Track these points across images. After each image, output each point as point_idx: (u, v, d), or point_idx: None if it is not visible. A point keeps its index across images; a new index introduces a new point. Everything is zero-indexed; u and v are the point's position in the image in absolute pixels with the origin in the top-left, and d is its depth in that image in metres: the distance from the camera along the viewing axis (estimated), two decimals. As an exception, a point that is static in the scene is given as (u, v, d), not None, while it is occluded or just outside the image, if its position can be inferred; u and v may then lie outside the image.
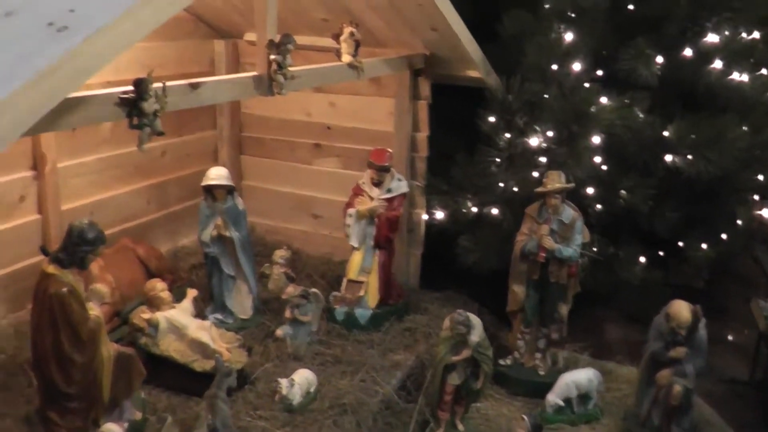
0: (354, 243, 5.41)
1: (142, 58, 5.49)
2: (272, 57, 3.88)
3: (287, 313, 5.04)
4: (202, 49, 6.32)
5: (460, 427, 4.73)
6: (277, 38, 3.90)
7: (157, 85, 3.15)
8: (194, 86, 3.51)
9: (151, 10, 2.66)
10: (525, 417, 4.20)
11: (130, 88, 3.07)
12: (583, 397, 4.90)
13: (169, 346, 4.47)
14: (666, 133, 5.44)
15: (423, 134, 5.85)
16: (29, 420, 3.95)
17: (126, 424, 3.84)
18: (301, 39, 5.61)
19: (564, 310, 5.13)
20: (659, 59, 5.36)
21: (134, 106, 3.09)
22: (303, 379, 4.43)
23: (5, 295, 4.79)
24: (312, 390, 4.47)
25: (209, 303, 5.37)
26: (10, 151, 4.62)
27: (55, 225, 4.88)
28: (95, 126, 5.25)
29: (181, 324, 4.53)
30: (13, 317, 4.80)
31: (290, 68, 3.97)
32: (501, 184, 5.49)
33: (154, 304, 4.58)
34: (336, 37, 4.69)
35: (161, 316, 4.50)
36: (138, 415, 3.99)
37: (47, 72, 2.20)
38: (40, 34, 2.33)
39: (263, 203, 6.75)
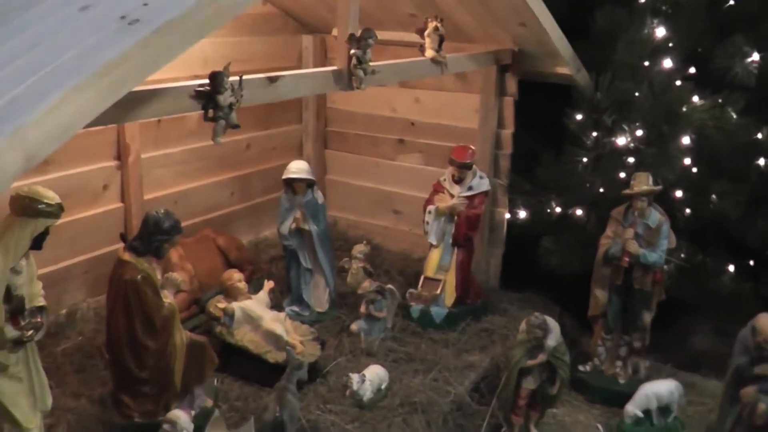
0: (432, 240, 5.35)
1: (230, 53, 5.56)
2: (352, 51, 3.87)
3: (362, 309, 5.04)
4: (290, 45, 6.38)
5: (534, 432, 4.64)
6: (358, 33, 3.87)
7: (233, 78, 3.18)
8: (272, 80, 3.52)
9: (223, 4, 2.64)
10: (600, 426, 4.06)
11: (207, 80, 3.11)
12: (664, 409, 4.71)
13: (244, 337, 4.52)
14: (760, 136, 5.19)
15: (508, 131, 5.74)
16: (103, 402, 4.07)
17: (195, 411, 3.90)
18: (389, 35, 5.67)
19: (647, 317, 4.99)
20: (756, 57, 5.10)
21: (210, 99, 3.12)
22: (374, 375, 4.41)
23: (86, 279, 4.98)
24: (383, 387, 4.44)
25: (287, 295, 5.42)
26: (95, 141, 4.84)
27: (137, 214, 5.01)
28: (181, 118, 5.37)
29: (257, 315, 4.57)
30: (94, 301, 4.98)
31: (371, 63, 3.94)
32: (587, 185, 5.33)
33: (230, 294, 4.64)
34: (420, 32, 4.64)
35: (237, 306, 4.55)
36: (209, 403, 4.05)
37: (114, 64, 2.23)
38: (111, 27, 2.37)
39: (346, 198, 6.78)
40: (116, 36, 2.34)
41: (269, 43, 6.12)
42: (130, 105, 2.81)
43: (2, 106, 2.13)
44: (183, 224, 5.44)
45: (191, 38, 2.55)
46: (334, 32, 6.15)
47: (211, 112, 3.16)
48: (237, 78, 3.19)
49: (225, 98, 3.14)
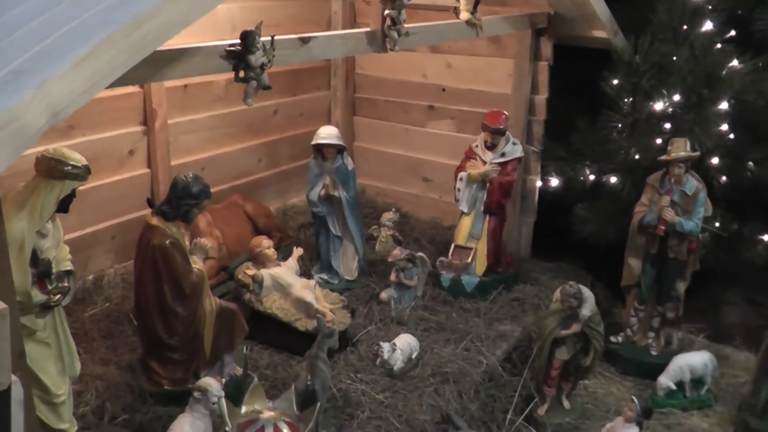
0: (464, 208, 5.25)
1: (259, 17, 5.35)
2: (386, 12, 3.74)
3: (392, 277, 4.97)
4: (319, 9, 6.25)
5: (566, 404, 4.59)
6: (390, -9, 3.75)
7: (265, 38, 3.08)
8: (305, 41, 3.41)
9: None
10: (635, 399, 3.97)
11: (238, 41, 3.01)
12: (697, 381, 4.66)
13: (273, 304, 4.46)
14: (802, 101, 5.02)
15: (542, 97, 5.58)
16: (132, 368, 4.05)
17: (225, 379, 3.85)
18: (421, -1, 5.54)
19: (681, 288, 4.92)
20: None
21: (241, 59, 3.03)
22: (405, 344, 4.34)
23: (114, 245, 4.94)
24: (414, 356, 4.38)
25: (315, 262, 5.36)
26: (121, 105, 4.79)
27: (164, 179, 4.97)
28: (208, 84, 5.30)
29: (286, 282, 4.51)
30: (121, 267, 4.96)
31: (405, 25, 3.82)
32: (622, 152, 5.19)
33: (259, 260, 4.58)
34: (456, -6, 4.50)
35: (266, 273, 4.49)
36: (239, 371, 4.01)
37: (144, 18, 2.15)
38: (141, -20, 2.28)
39: (375, 165, 6.69)
40: (144, -10, 2.25)
41: (298, 7, 5.99)
42: (158, 64, 2.72)
43: (27, 60, 2.05)
44: (211, 190, 5.46)
45: (224, -6, 2.45)
46: (364, -4, 6.06)
47: (242, 73, 3.07)
48: (269, 38, 3.09)
49: (257, 58, 3.05)
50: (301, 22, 5.87)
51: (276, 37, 3.16)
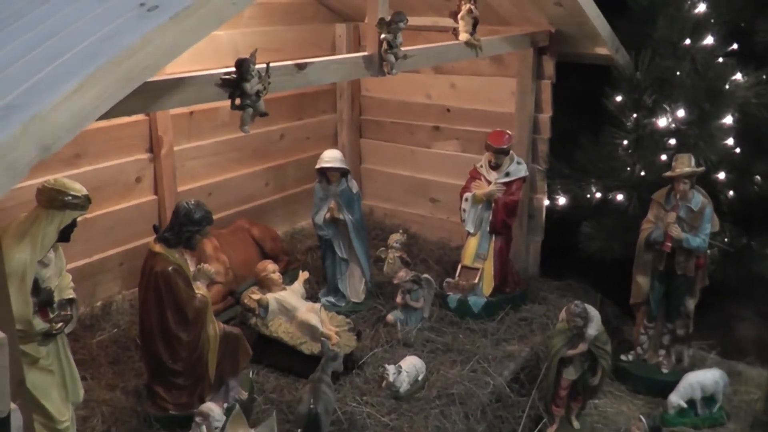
0: (470, 228, 5.25)
1: (261, 42, 5.46)
2: (383, 36, 3.77)
3: (398, 299, 4.97)
4: (323, 33, 6.31)
5: (575, 423, 4.55)
6: (388, 17, 3.78)
7: (260, 65, 3.12)
8: (301, 67, 3.44)
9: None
10: (642, 418, 3.94)
11: (233, 69, 3.05)
12: (708, 399, 4.60)
13: (279, 328, 4.47)
14: (807, 114, 4.98)
15: (546, 115, 5.59)
16: (138, 393, 4.07)
17: (226, 404, 3.86)
18: (421, 20, 5.58)
19: (691, 304, 4.88)
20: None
21: (236, 87, 3.06)
22: (411, 366, 4.33)
23: (121, 272, 4.99)
24: (420, 378, 4.36)
25: (323, 286, 5.37)
26: (127, 133, 4.86)
27: (171, 206, 4.99)
28: (213, 110, 5.35)
29: (291, 306, 4.52)
30: (129, 293, 5.00)
31: (403, 47, 3.85)
32: (627, 168, 5.17)
33: (265, 285, 4.59)
34: (454, 15, 4.53)
35: (271, 297, 4.50)
36: (244, 395, 4.01)
37: (132, 50, 2.18)
38: (130, 13, 2.33)
39: (382, 186, 6.71)
40: (135, 22, 2.30)
41: (301, 31, 6.05)
42: (154, 94, 2.77)
43: (18, 95, 2.09)
44: (217, 216, 5.46)
45: (211, 24, 2.49)
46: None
47: (238, 101, 3.10)
48: (264, 65, 3.13)
49: (252, 85, 3.08)
50: (304, 47, 5.92)
51: (272, 64, 3.19)
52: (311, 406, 3.63)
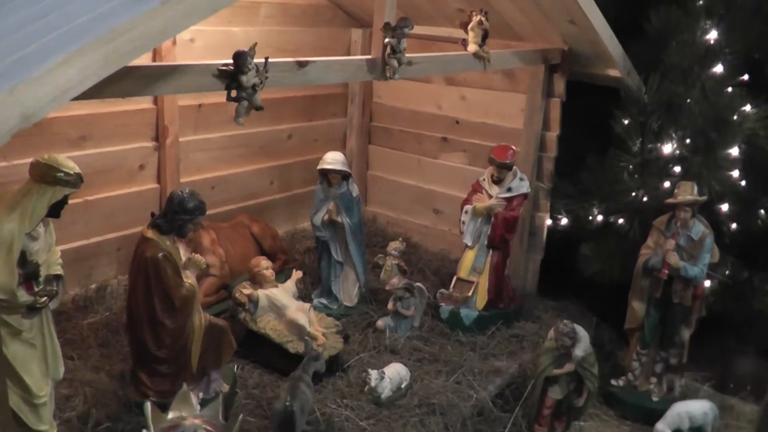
0: (467, 241, 5.24)
1: (277, 42, 5.59)
2: (386, 40, 3.78)
3: (390, 305, 4.97)
4: (339, 37, 6.34)
5: (557, 444, 4.50)
6: (394, 22, 3.79)
7: (258, 60, 3.14)
8: (301, 64, 3.47)
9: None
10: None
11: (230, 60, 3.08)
12: (696, 430, 4.50)
13: (267, 324, 4.49)
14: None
15: (553, 134, 5.59)
16: (123, 377, 4.09)
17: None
18: (437, 30, 5.60)
19: (686, 334, 4.80)
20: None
21: (233, 79, 3.09)
22: (395, 373, 4.32)
23: (118, 257, 5.03)
24: (403, 385, 4.35)
25: (318, 287, 5.37)
26: (134, 120, 4.90)
27: (173, 195, 5.03)
28: (222, 104, 5.32)
29: (281, 303, 4.53)
30: (124, 278, 4.98)
31: (408, 54, 3.86)
32: (631, 193, 5.13)
33: (256, 281, 4.61)
34: (464, 25, 4.54)
35: (262, 293, 4.52)
36: (225, 388, 4.02)
37: (119, 31, 2.21)
38: (122, -3, 2.36)
39: (387, 194, 6.72)
40: (128, 5, 2.32)
41: (317, 34, 6.09)
42: (150, 79, 2.80)
43: (5, 66, 2.13)
44: (219, 210, 5.53)
45: (203, 11, 2.51)
46: (383, 25, 6.13)
47: (234, 93, 3.13)
48: (263, 60, 3.16)
49: (248, 79, 3.12)
50: (319, 49, 5.95)
51: (272, 60, 3.22)
52: (287, 403, 3.63)
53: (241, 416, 3.15)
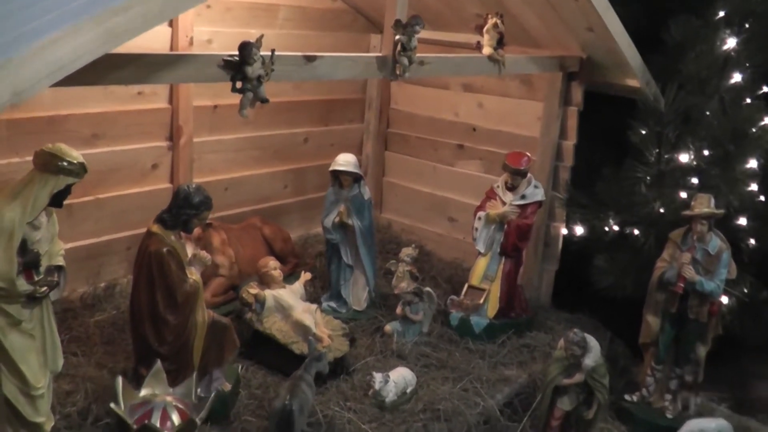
0: (480, 248, 5.18)
1: (294, 45, 5.56)
2: (397, 37, 3.75)
3: (398, 310, 4.91)
4: (358, 42, 6.33)
5: (565, 456, 4.39)
6: (405, 19, 3.77)
7: (265, 52, 3.13)
8: (310, 59, 3.46)
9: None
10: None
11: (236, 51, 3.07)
12: (710, 450, 4.38)
13: (273, 325, 4.44)
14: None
15: (570, 142, 5.52)
16: (125, 374, 4.04)
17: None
18: (455, 36, 5.57)
19: (702, 351, 4.68)
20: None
21: (238, 70, 3.08)
22: (400, 377, 4.26)
23: (128, 256, 4.99)
24: (408, 390, 4.28)
25: (328, 290, 5.33)
26: (148, 119, 4.91)
27: (185, 196, 5.03)
28: (237, 106, 5.36)
29: (288, 304, 4.49)
30: (135, 277, 5.01)
31: (420, 54, 3.83)
32: (648, 204, 5.04)
33: (264, 281, 4.58)
34: (479, 28, 4.51)
35: (269, 293, 4.48)
36: (227, 386, 3.96)
37: (114, 11, 2.21)
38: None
39: (402, 201, 6.68)
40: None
41: (336, 39, 6.08)
42: (154, 67, 2.80)
43: (2, 43, 2.12)
44: (231, 212, 5.52)
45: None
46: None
47: (239, 84, 3.12)
48: (269, 52, 3.14)
49: (254, 70, 3.11)
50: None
51: (279, 53, 3.21)
52: (286, 402, 3.59)
53: (213, 394, 3.06)
